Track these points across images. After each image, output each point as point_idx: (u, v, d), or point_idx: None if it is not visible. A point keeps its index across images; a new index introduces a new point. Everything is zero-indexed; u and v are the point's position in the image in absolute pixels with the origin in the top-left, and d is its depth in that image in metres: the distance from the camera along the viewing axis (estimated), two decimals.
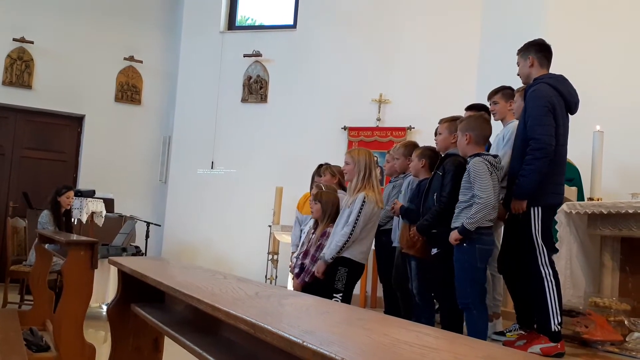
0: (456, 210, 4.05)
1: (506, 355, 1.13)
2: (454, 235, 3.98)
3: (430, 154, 4.65)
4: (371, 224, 4.53)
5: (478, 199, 3.91)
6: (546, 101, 3.99)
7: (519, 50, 4.30)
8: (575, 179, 5.53)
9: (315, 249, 4.70)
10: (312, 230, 4.96)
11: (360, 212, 4.41)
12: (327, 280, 4.51)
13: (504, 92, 4.73)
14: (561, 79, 4.11)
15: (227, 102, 9.29)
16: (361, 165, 4.57)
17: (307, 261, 4.74)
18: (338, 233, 4.48)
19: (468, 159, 4.08)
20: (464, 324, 4.38)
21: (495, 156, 4.10)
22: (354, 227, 4.40)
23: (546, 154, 3.92)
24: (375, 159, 8.17)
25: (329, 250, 4.49)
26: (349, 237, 4.40)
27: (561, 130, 4.03)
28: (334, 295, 4.39)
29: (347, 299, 4.43)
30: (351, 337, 1.27)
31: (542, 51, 4.21)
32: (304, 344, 1.14)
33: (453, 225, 4.04)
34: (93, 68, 9.40)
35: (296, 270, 4.85)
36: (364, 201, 4.43)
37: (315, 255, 4.68)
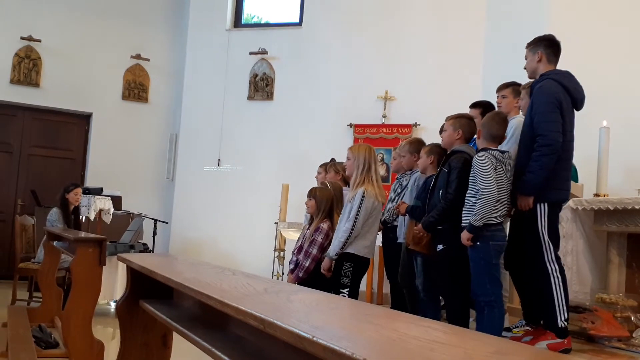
0: (464, 207, 4.06)
1: (516, 350, 1.14)
2: (465, 236, 3.98)
3: (438, 150, 4.65)
4: (372, 218, 4.53)
5: (480, 194, 3.91)
6: (553, 97, 3.98)
7: (528, 44, 4.29)
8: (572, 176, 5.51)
9: (309, 245, 4.72)
10: (307, 226, 4.97)
11: (360, 207, 4.41)
12: (332, 276, 4.53)
13: (514, 87, 4.71)
14: (567, 75, 4.11)
15: (234, 99, 9.31)
16: (360, 160, 4.58)
17: (301, 257, 4.75)
18: (340, 229, 4.51)
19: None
20: (471, 320, 4.39)
21: (503, 151, 4.09)
22: (354, 222, 4.41)
23: (554, 151, 3.91)
24: (381, 155, 8.26)
25: (332, 247, 4.51)
26: (351, 233, 4.41)
27: (568, 126, 4.03)
28: (341, 290, 4.40)
29: (353, 294, 4.45)
30: (361, 332, 1.28)
31: (552, 47, 4.20)
32: (314, 339, 1.15)
33: (463, 223, 4.04)
34: (100, 66, 9.43)
35: (291, 266, 4.87)
36: (363, 196, 4.44)
37: (309, 250, 4.69)
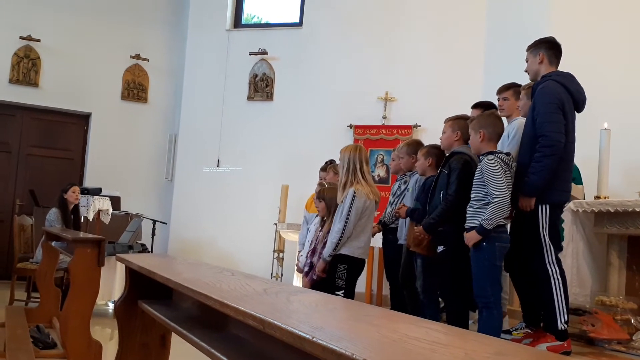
0: (470, 209, 4.01)
1: (516, 351, 1.13)
2: (472, 236, 3.92)
3: (436, 152, 4.64)
4: (365, 218, 4.50)
5: (494, 198, 3.86)
6: (555, 98, 3.97)
7: (529, 46, 4.28)
8: (576, 178, 5.48)
9: (323, 247, 4.70)
10: (320, 228, 4.96)
11: (351, 208, 4.40)
12: (331, 278, 4.51)
13: (515, 89, 4.70)
14: (569, 77, 4.10)
15: (233, 100, 9.30)
16: (345, 160, 4.58)
17: (315, 259, 4.74)
18: (333, 231, 4.49)
19: (480, 157, 4.05)
20: (471, 322, 4.37)
21: (507, 154, 4.07)
22: (345, 223, 4.40)
23: (555, 152, 3.90)
24: (382, 157, 8.25)
25: (326, 249, 4.50)
26: (342, 234, 4.40)
27: (570, 127, 4.02)
28: (336, 292, 4.39)
29: (349, 295, 4.43)
30: (360, 333, 1.27)
31: (553, 49, 4.19)
32: (314, 339, 1.14)
33: (468, 225, 3.98)
34: (99, 66, 9.42)
35: (306, 268, 4.85)
36: (354, 196, 4.42)
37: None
